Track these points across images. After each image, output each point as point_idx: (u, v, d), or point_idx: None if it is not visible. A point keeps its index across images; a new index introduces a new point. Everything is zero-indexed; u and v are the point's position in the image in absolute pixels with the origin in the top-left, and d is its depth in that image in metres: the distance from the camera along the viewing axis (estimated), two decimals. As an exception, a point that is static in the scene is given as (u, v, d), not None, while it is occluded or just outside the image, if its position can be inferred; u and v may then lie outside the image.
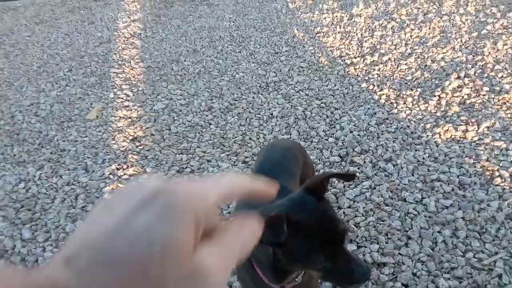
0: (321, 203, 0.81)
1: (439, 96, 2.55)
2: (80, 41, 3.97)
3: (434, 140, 2.21)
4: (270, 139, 2.39)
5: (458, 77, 2.69)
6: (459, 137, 2.21)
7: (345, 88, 2.80)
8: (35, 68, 3.52)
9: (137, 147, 2.45)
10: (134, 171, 2.24)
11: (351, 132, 2.36)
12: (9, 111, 2.92)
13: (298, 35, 3.67)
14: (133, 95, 3.01)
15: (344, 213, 1.81)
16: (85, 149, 2.46)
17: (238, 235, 0.28)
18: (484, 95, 2.50)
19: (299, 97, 2.76)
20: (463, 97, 2.52)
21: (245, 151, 2.31)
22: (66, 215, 1.97)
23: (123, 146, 2.45)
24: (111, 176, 2.21)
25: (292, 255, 0.82)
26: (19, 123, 2.78)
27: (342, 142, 2.29)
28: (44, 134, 2.64)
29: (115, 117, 2.76)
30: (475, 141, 2.16)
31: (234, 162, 2.24)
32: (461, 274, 1.49)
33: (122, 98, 2.97)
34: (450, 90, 2.58)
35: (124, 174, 2.22)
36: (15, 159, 2.43)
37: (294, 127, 2.46)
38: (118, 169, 2.26)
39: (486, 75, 2.69)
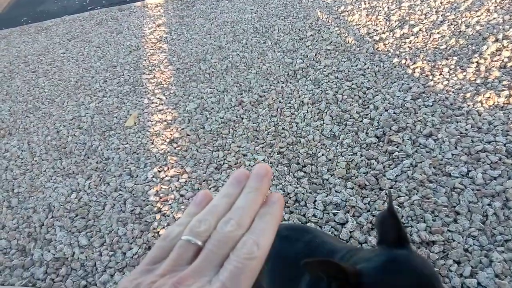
0: (413, 258, 0.71)
1: (477, 62, 2.42)
2: (111, 51, 4.12)
3: (476, 109, 2.11)
4: (303, 127, 2.38)
5: (496, 40, 2.54)
6: (503, 103, 2.09)
7: (376, 66, 2.73)
8: (72, 83, 3.70)
9: (175, 148, 2.53)
10: (175, 172, 2.31)
11: (386, 110, 2.30)
12: (54, 127, 3.10)
13: (322, 18, 3.59)
14: (166, 98, 3.10)
15: (386, 194, 1.78)
16: (127, 156, 2.58)
17: None
18: (528, 55, 2.34)
19: (328, 81, 2.72)
20: (503, 60, 2.37)
21: (280, 142, 2.31)
22: (117, 220, 2.08)
23: (162, 149, 2.54)
24: (154, 179, 2.30)
25: None
26: (65, 137, 2.95)
27: (378, 122, 2.24)
28: (88, 145, 2.78)
29: (152, 121, 2.85)
30: (521, 105, 2.04)
31: (270, 153, 2.25)
32: (516, 246, 1.43)
33: (156, 103, 3.06)
34: (488, 54, 2.45)
35: (166, 176, 2.31)
36: (65, 171, 2.59)
37: (326, 112, 2.44)
38: (159, 171, 2.35)
39: (528, 33, 2.52)
